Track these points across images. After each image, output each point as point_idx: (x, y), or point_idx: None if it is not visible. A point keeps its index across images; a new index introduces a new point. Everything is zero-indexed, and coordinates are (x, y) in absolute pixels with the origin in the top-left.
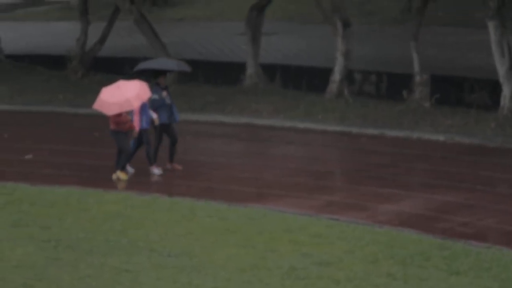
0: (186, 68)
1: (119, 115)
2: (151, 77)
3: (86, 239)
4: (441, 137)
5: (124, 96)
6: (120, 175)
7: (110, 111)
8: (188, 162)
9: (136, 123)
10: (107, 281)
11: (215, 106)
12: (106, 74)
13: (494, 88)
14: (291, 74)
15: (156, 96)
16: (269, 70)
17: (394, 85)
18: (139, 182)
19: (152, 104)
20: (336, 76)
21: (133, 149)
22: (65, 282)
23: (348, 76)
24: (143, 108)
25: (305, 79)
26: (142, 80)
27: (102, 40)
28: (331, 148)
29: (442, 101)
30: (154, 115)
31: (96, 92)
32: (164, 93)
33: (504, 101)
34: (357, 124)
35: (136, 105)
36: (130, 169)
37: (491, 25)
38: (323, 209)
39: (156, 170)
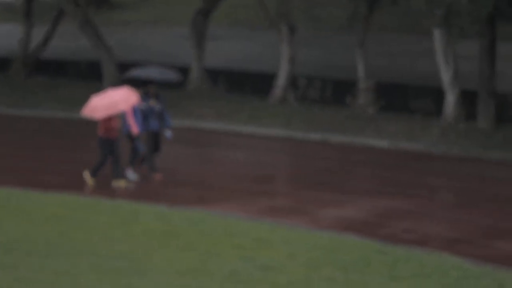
0: (171, 77)
1: (109, 119)
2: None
3: (26, 241)
4: (385, 143)
5: (112, 99)
6: (120, 183)
7: (99, 114)
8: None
9: (134, 126)
10: (47, 284)
11: None
12: (50, 76)
13: (439, 95)
14: (235, 79)
15: (144, 104)
16: (214, 75)
17: (339, 91)
18: (81, 184)
19: (140, 112)
20: (281, 81)
21: (147, 152)
22: (4, 284)
23: (293, 81)
24: (134, 113)
25: (250, 84)
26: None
27: (45, 42)
28: (275, 152)
29: (387, 108)
30: (133, 127)
31: (39, 94)
32: (152, 101)
33: (448, 108)
34: (301, 129)
35: (123, 107)
36: (133, 175)
37: (437, 33)
38: (266, 213)
39: (132, 175)
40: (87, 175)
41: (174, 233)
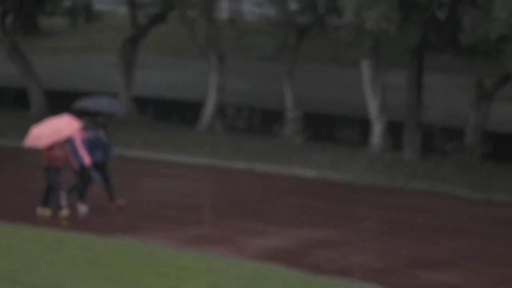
0: (118, 108)
1: (51, 149)
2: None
3: None
4: (311, 173)
5: (54, 126)
6: (45, 211)
7: (43, 142)
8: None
9: (85, 156)
10: None
11: None
12: None
13: (365, 126)
14: (163, 107)
15: (91, 134)
16: (141, 103)
17: (267, 121)
18: (2, 211)
19: (88, 142)
20: (209, 109)
21: (99, 182)
22: None
23: (221, 110)
24: (84, 144)
25: (177, 112)
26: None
27: None
28: (201, 181)
29: (314, 138)
30: (85, 158)
31: None
32: (100, 132)
33: (375, 139)
34: (228, 158)
35: (67, 133)
36: (83, 207)
37: (365, 64)
38: (191, 242)
39: (83, 208)
40: (40, 210)
41: (99, 261)
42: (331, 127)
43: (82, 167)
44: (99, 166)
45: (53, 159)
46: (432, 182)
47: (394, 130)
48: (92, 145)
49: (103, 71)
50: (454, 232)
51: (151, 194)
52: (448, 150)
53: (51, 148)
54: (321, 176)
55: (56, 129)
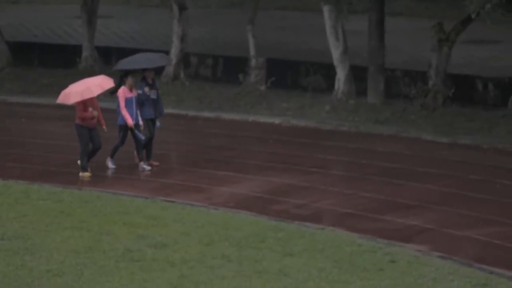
0: (159, 62)
1: (84, 109)
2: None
3: None
4: (276, 120)
5: (85, 85)
6: (83, 174)
7: (71, 99)
8: (23, 144)
9: (128, 117)
10: None
11: (50, 89)
12: None
13: (329, 71)
14: (127, 57)
15: (140, 91)
16: (105, 53)
17: (231, 69)
18: None
19: (137, 99)
20: (172, 59)
21: (120, 144)
22: None
23: (185, 59)
24: (127, 104)
25: None
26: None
27: None
28: (168, 131)
29: (278, 85)
30: (129, 121)
31: None
32: (147, 88)
33: (338, 84)
34: (193, 107)
35: (96, 92)
36: (111, 164)
37: (326, 10)
38: (159, 192)
39: (145, 166)
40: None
41: (67, 212)
42: (294, 74)
43: (122, 127)
44: (150, 122)
45: (86, 118)
46: (397, 127)
47: (358, 75)
48: (141, 102)
49: (66, 23)
50: (421, 175)
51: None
52: (412, 94)
53: (83, 106)
54: (286, 123)
55: (86, 87)
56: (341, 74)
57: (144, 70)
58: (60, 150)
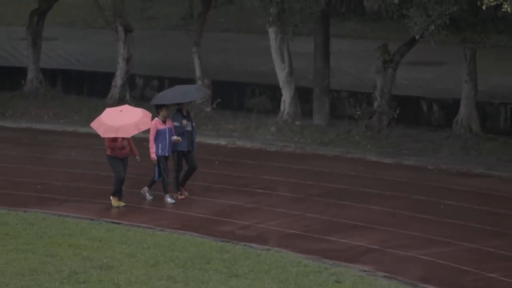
0: (196, 95)
1: (113, 140)
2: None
3: None
4: (222, 141)
5: (123, 121)
6: (112, 200)
7: (105, 133)
8: None
9: (153, 151)
10: None
11: None
12: None
13: (275, 93)
14: (72, 79)
15: (177, 124)
16: (51, 75)
17: None
18: None
19: (170, 132)
20: (118, 81)
21: (157, 177)
22: None
23: (130, 81)
24: (158, 136)
25: (87, 84)
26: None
27: None
28: None
29: (224, 106)
30: (152, 155)
31: None
32: (185, 121)
33: (284, 105)
34: None
35: (132, 133)
36: (148, 195)
37: (271, 32)
38: (105, 213)
39: (169, 199)
40: (112, 199)
41: (12, 234)
42: (240, 95)
43: (156, 160)
44: (184, 155)
45: (115, 148)
46: (342, 148)
47: (304, 96)
48: (177, 134)
49: (10, 44)
50: (366, 196)
51: (63, 166)
52: (357, 115)
53: (112, 139)
54: (232, 144)
55: (123, 125)
56: (286, 96)
57: (179, 102)
58: (3, 172)
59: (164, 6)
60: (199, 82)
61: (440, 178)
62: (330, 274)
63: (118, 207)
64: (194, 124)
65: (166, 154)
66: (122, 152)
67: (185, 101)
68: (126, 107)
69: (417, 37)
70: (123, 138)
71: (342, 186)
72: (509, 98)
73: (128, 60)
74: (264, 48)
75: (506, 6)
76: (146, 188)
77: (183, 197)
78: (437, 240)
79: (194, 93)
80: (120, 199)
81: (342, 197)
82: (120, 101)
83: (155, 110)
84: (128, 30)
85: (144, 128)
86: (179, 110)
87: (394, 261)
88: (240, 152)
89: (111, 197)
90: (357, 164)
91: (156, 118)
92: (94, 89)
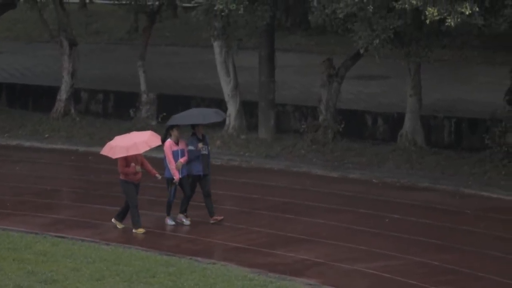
0: (216, 118)
1: (127, 165)
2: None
3: None
4: None
5: (132, 141)
6: (137, 230)
7: (116, 154)
8: None
9: (175, 172)
10: None
11: None
12: None
13: (220, 106)
14: (17, 93)
15: (192, 147)
16: None
17: (121, 104)
18: None
19: (188, 156)
20: (63, 95)
21: (172, 198)
22: None
23: (75, 95)
24: (173, 157)
25: (32, 98)
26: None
27: None
28: (58, 166)
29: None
30: (176, 176)
31: None
32: (200, 145)
33: (229, 119)
34: (84, 143)
35: (142, 150)
36: (170, 221)
37: (216, 46)
38: (49, 227)
39: (169, 221)
40: (115, 221)
41: None
42: (185, 109)
43: (169, 181)
44: (199, 179)
45: (129, 173)
46: (288, 161)
47: (249, 110)
48: (191, 158)
49: None
50: (312, 210)
51: (7, 180)
52: (302, 129)
53: (125, 162)
54: None
55: (133, 143)
56: (232, 109)
57: (194, 125)
58: None
59: (109, 20)
60: (144, 95)
61: (384, 191)
62: (275, 287)
63: (143, 233)
64: (209, 148)
65: (179, 176)
66: (136, 177)
67: (205, 122)
68: (133, 132)
69: (361, 51)
70: (136, 163)
71: (288, 200)
72: (453, 112)
73: (73, 74)
74: (209, 61)
75: (449, 20)
76: (179, 215)
77: (188, 221)
78: (383, 253)
79: (214, 116)
80: (140, 225)
81: (288, 211)
82: (65, 115)
83: (166, 131)
84: (72, 44)
85: (154, 145)
86: (194, 134)
87: (339, 274)
88: None
89: (134, 230)
90: (303, 178)
91: (169, 140)
92: (39, 103)
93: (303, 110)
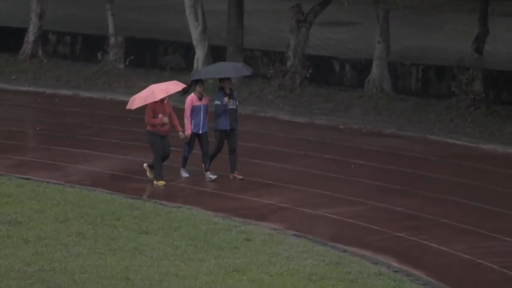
0: (245, 71)
1: (154, 116)
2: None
3: None
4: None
5: (151, 89)
6: (159, 183)
7: (135, 104)
8: None
9: (188, 126)
10: None
11: None
12: None
13: (188, 51)
14: None
15: (218, 102)
16: None
17: (89, 47)
18: None
19: (215, 110)
20: (30, 36)
21: (186, 153)
22: None
23: (43, 37)
24: (192, 112)
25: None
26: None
27: None
28: (24, 108)
29: (136, 63)
30: (187, 131)
31: None
32: (226, 99)
33: (197, 64)
34: (51, 85)
35: (159, 96)
36: (184, 173)
37: None
38: (14, 169)
39: (184, 173)
40: (147, 168)
41: None
42: (154, 53)
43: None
44: (226, 134)
45: (155, 124)
46: (255, 106)
47: (217, 55)
48: (218, 113)
49: None
50: (277, 155)
51: None
52: (270, 74)
53: (152, 113)
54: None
55: (151, 92)
56: (200, 54)
57: (221, 79)
58: None
59: None
60: (112, 38)
61: (351, 137)
62: (239, 231)
63: (164, 185)
64: (237, 102)
65: (200, 132)
66: (163, 128)
67: (237, 76)
68: (157, 84)
69: None
70: (163, 114)
71: (254, 145)
72: (421, 59)
73: (41, 16)
74: (178, 5)
75: None
76: (182, 169)
77: (240, 177)
78: (347, 199)
79: (244, 69)
80: (161, 178)
81: (254, 155)
82: (32, 57)
83: (190, 83)
84: None
85: (173, 91)
86: (221, 89)
87: (304, 219)
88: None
89: (154, 182)
90: (270, 123)
91: (192, 94)
92: (6, 44)
93: (271, 56)
